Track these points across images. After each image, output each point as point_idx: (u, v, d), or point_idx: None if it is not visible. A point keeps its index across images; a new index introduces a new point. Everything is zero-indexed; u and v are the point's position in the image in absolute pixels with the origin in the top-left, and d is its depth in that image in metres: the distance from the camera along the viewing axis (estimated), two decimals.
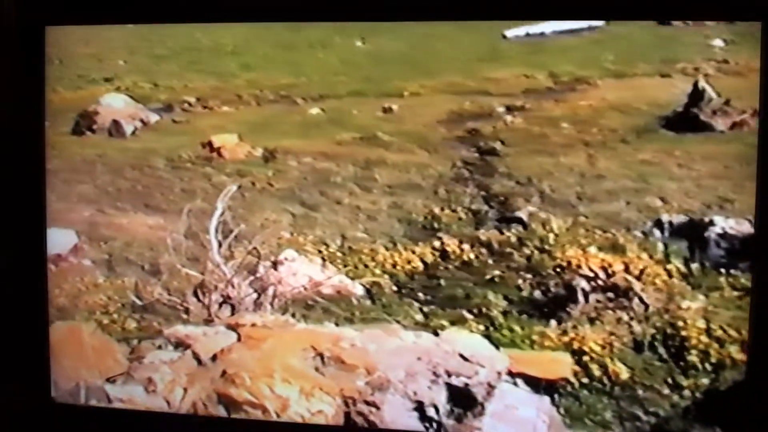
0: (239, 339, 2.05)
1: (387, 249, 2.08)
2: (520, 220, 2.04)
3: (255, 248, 2.17)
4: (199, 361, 2.04)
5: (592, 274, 1.98)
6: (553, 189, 2.03)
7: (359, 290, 2.07)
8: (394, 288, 2.05)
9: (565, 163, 2.02)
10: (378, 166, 2.13)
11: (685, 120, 1.98)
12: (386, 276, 2.06)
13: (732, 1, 1.23)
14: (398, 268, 2.06)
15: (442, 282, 2.04)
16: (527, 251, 2.02)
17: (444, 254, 2.06)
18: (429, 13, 1.53)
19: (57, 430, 1.52)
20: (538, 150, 2.05)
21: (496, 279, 2.01)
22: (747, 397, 1.58)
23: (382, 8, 1.50)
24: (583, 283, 1.99)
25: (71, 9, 1.38)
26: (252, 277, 2.14)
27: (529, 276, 2.00)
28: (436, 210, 2.08)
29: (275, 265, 2.13)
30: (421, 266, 2.05)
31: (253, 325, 2.08)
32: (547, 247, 2.01)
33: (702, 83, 1.96)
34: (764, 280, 1.55)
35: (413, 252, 2.06)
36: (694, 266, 1.93)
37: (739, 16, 1.24)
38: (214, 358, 2.03)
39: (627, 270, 1.96)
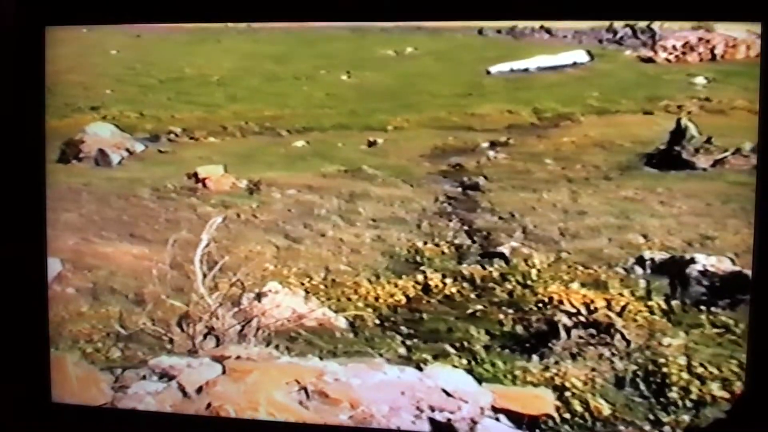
0: (224, 371, 2.03)
1: (370, 282, 2.05)
2: (502, 255, 2.02)
3: (239, 280, 2.14)
4: (185, 393, 2.04)
5: (574, 310, 1.96)
6: (535, 225, 2.01)
7: (342, 323, 2.04)
8: (377, 321, 2.01)
9: (547, 199, 2.01)
10: (362, 200, 2.10)
11: (668, 157, 1.96)
12: (369, 309, 2.03)
13: (732, 1, 1.23)
14: (381, 301, 2.04)
15: (425, 316, 2.01)
16: (509, 286, 2.00)
17: (427, 288, 2.02)
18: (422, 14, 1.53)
19: (57, 430, 1.53)
20: (521, 185, 2.03)
21: (479, 314, 1.98)
22: None
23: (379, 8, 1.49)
24: (565, 319, 1.97)
25: (71, 9, 1.38)
26: (236, 309, 2.10)
27: (511, 311, 1.97)
28: (420, 244, 2.05)
29: (259, 296, 2.10)
30: (404, 300, 2.02)
31: (238, 357, 2.06)
32: (529, 282, 1.98)
33: (684, 121, 1.93)
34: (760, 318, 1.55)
35: (396, 285, 2.03)
36: (675, 303, 1.92)
37: (739, 16, 1.24)
38: (199, 390, 2.02)
39: (609, 306, 1.95)
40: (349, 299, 2.04)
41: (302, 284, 2.06)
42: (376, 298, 2.03)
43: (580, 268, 1.96)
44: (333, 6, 1.36)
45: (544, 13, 1.45)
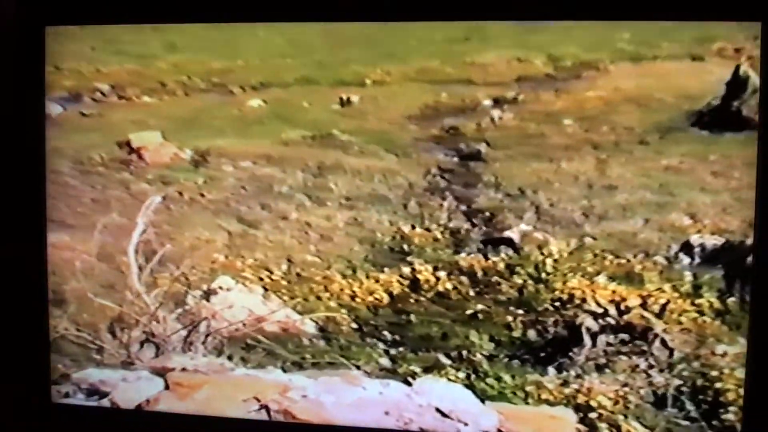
0: (167, 387, 1.79)
1: (344, 277, 1.75)
2: (510, 242, 1.71)
3: (183, 274, 1.83)
4: (119, 413, 1.80)
5: (600, 311, 1.66)
6: (552, 203, 1.68)
7: (310, 328, 1.76)
8: (354, 325, 1.74)
9: (567, 170, 1.67)
10: (334, 173, 1.77)
11: (723, 116, 1.58)
12: (344, 310, 1.74)
13: (732, 1, 1.24)
14: (359, 300, 1.75)
15: (413, 318, 1.73)
16: (519, 281, 1.70)
17: (415, 284, 1.73)
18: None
19: (57, 430, 1.54)
20: (533, 154, 1.69)
21: (480, 315, 1.70)
22: None
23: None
24: (590, 322, 1.66)
25: (71, 9, 1.41)
26: (180, 310, 1.83)
27: (521, 312, 1.69)
28: (406, 229, 1.74)
29: (207, 295, 1.82)
30: (386, 299, 1.73)
31: (183, 369, 1.80)
32: (544, 275, 1.69)
33: (745, 69, 1.53)
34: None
35: (377, 281, 1.74)
36: (732, 301, 1.60)
37: (739, 16, 1.26)
38: (137, 409, 1.79)
39: (645, 305, 1.64)
40: (318, 298, 1.75)
41: (260, 280, 1.78)
42: (353, 297, 1.75)
43: (609, 257, 1.66)
44: None
45: (544, 12, 1.41)
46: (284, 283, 1.78)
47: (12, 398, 1.48)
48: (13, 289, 1.52)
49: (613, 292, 1.65)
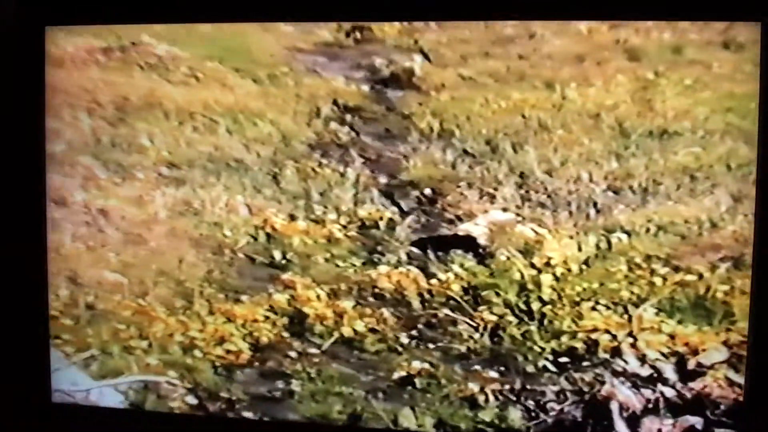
0: None
1: (170, 312, 1.15)
2: (471, 243, 1.09)
3: None
4: None
5: (646, 372, 1.02)
6: (549, 168, 1.05)
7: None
8: (190, 400, 1.17)
9: (576, 100, 1.04)
10: (142, 116, 1.16)
11: None
12: (171, 373, 1.16)
13: (732, 1, 1.14)
14: (196, 356, 1.15)
15: (297, 387, 1.12)
16: (490, 316, 1.07)
17: (298, 322, 1.11)
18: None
19: (57, 430, 1.41)
20: (513, 73, 1.06)
21: (419, 381, 1.09)
22: None
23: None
24: (625, 393, 1.02)
25: (71, 9, 1.35)
26: None
27: (494, 375, 1.06)
28: (278, 220, 1.12)
29: None
30: (247, 351, 1.13)
31: None
32: (537, 305, 1.06)
33: None
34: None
35: (229, 319, 1.14)
36: None
37: (738, 16, 1.13)
38: None
39: (734, 363, 1.00)
40: (126, 351, 1.20)
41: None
42: (187, 348, 1.16)
43: (660, 269, 1.02)
44: None
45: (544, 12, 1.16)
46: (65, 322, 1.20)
47: (12, 398, 1.41)
48: (13, 289, 1.41)
49: (671, 337, 1.01)
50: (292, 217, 1.12)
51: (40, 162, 1.34)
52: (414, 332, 1.08)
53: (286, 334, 1.10)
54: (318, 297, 1.10)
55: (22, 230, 1.38)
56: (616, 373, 1.03)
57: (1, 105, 1.35)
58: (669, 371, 1.01)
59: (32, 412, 1.39)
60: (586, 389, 1.04)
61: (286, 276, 1.12)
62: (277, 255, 1.11)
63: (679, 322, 1.01)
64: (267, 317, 1.11)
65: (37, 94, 1.34)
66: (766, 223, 1.05)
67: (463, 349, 1.07)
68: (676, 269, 1.01)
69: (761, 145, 1.07)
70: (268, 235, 1.12)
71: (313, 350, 1.10)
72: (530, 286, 1.06)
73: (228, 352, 1.13)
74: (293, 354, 1.11)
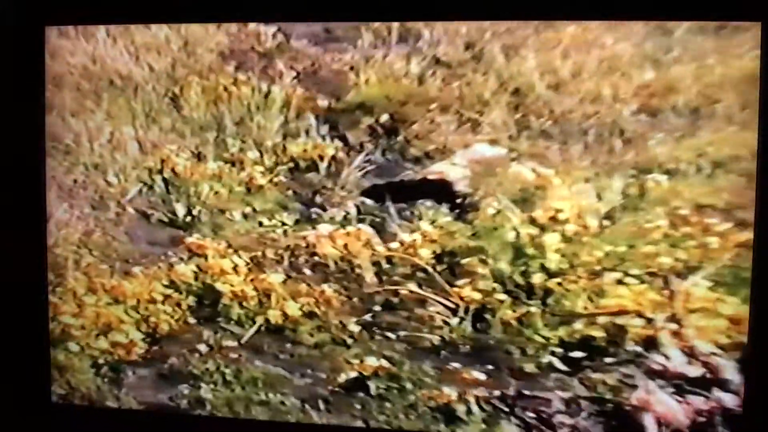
0: None
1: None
2: (443, 190, 0.90)
3: None
4: None
5: (697, 372, 0.83)
6: (557, 82, 0.86)
7: None
8: None
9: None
10: None
11: None
12: None
13: (732, 1, 1.09)
14: None
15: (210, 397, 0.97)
16: (473, 293, 0.87)
17: (210, 303, 0.91)
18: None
19: (57, 430, 1.35)
20: None
21: (376, 386, 0.90)
22: None
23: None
24: (667, 405, 0.84)
25: (71, 9, 1.30)
26: None
27: (479, 375, 0.88)
28: (178, 161, 0.95)
29: None
30: (142, 346, 0.95)
31: None
32: (539, 279, 0.86)
33: None
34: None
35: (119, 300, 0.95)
36: None
37: (738, 16, 1.07)
38: None
39: None
40: None
41: None
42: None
43: (720, 224, 0.84)
44: None
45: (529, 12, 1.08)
46: None
47: (11, 398, 1.31)
48: (13, 288, 1.29)
49: (733, 321, 0.83)
50: (199, 157, 0.94)
51: (39, 162, 1.28)
52: (367, 317, 0.89)
53: (192, 320, 0.93)
54: (235, 268, 0.92)
55: (22, 228, 1.31)
56: (651, 374, 0.85)
57: (0, 105, 1.27)
58: (730, 371, 0.83)
59: (32, 412, 1.33)
60: (608, 396, 0.87)
61: (191, 239, 0.93)
62: (180, 210, 0.94)
63: (744, 300, 0.82)
64: (167, 296, 0.93)
65: (37, 94, 1.29)
66: (767, 222, 0.97)
67: (436, 339, 0.89)
68: (740, 225, 0.82)
69: (761, 145, 0.99)
70: (166, 181, 0.95)
71: (230, 342, 0.92)
72: (529, 251, 0.88)
73: (114, 345, 0.97)
74: (202, 347, 0.94)
